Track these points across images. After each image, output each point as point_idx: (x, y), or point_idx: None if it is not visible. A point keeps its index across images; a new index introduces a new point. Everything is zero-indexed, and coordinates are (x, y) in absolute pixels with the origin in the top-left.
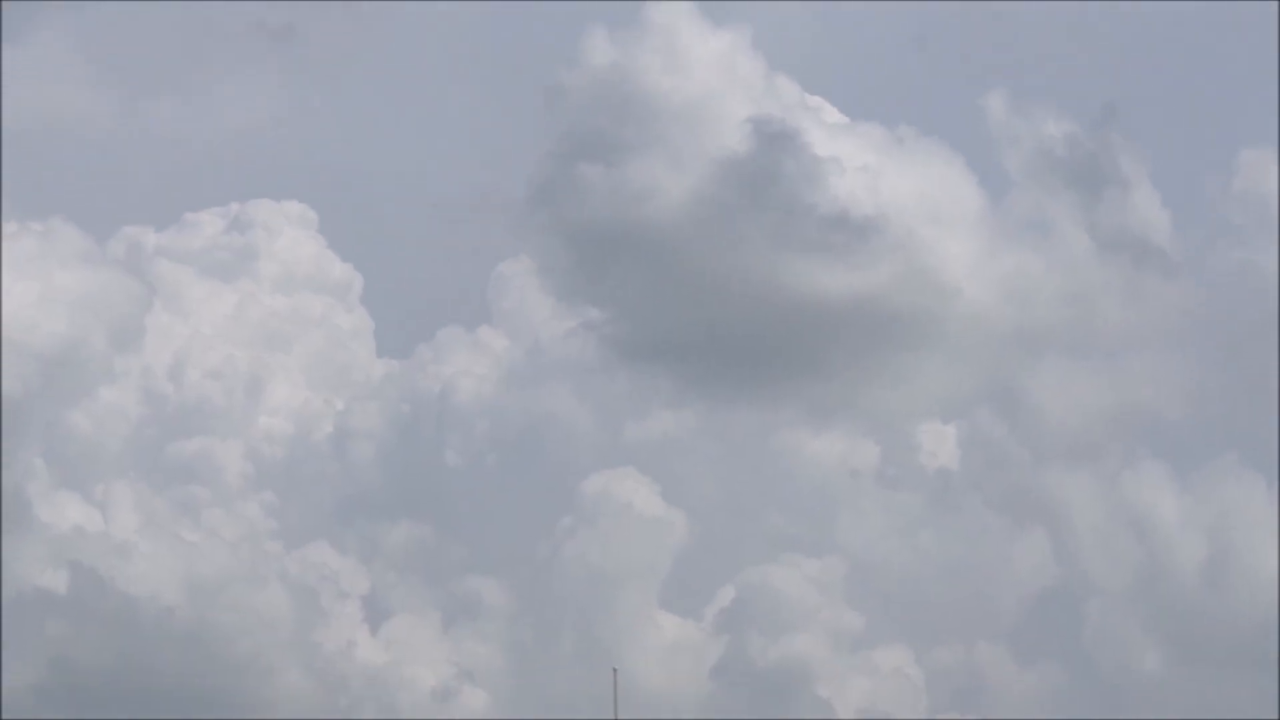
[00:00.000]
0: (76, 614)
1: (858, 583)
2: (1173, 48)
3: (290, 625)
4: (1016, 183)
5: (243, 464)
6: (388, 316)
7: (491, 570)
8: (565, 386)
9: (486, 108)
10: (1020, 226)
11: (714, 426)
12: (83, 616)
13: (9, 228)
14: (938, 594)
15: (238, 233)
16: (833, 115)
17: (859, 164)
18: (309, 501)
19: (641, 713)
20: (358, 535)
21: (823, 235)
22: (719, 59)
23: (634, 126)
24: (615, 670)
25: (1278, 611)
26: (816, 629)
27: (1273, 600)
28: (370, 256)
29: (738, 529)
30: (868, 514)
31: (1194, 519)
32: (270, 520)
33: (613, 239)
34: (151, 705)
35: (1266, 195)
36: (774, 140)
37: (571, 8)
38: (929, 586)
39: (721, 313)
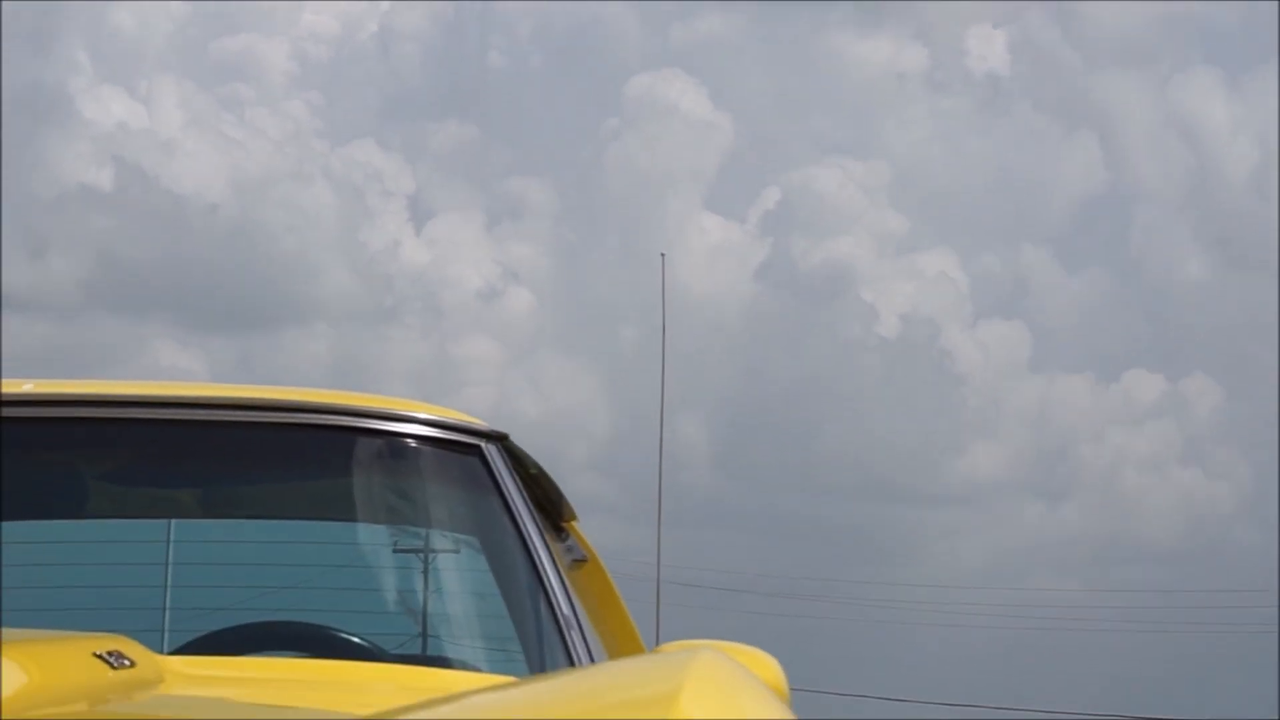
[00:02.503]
0: (121, 210)
1: (903, 186)
2: None
3: (335, 224)
4: None
5: (287, 62)
6: None
7: (536, 171)
8: None
9: None
10: None
11: (762, 28)
12: (128, 213)
13: None
14: (984, 198)
15: None
16: None
17: None
18: (354, 100)
19: (685, 313)
20: (403, 135)
21: None
22: None
23: None
24: (663, 255)
25: None
26: (861, 232)
27: None
28: None
29: (784, 131)
30: (915, 117)
31: (1244, 124)
32: (315, 119)
33: None
34: (197, 302)
35: None
36: None
37: None
38: (975, 191)
39: None
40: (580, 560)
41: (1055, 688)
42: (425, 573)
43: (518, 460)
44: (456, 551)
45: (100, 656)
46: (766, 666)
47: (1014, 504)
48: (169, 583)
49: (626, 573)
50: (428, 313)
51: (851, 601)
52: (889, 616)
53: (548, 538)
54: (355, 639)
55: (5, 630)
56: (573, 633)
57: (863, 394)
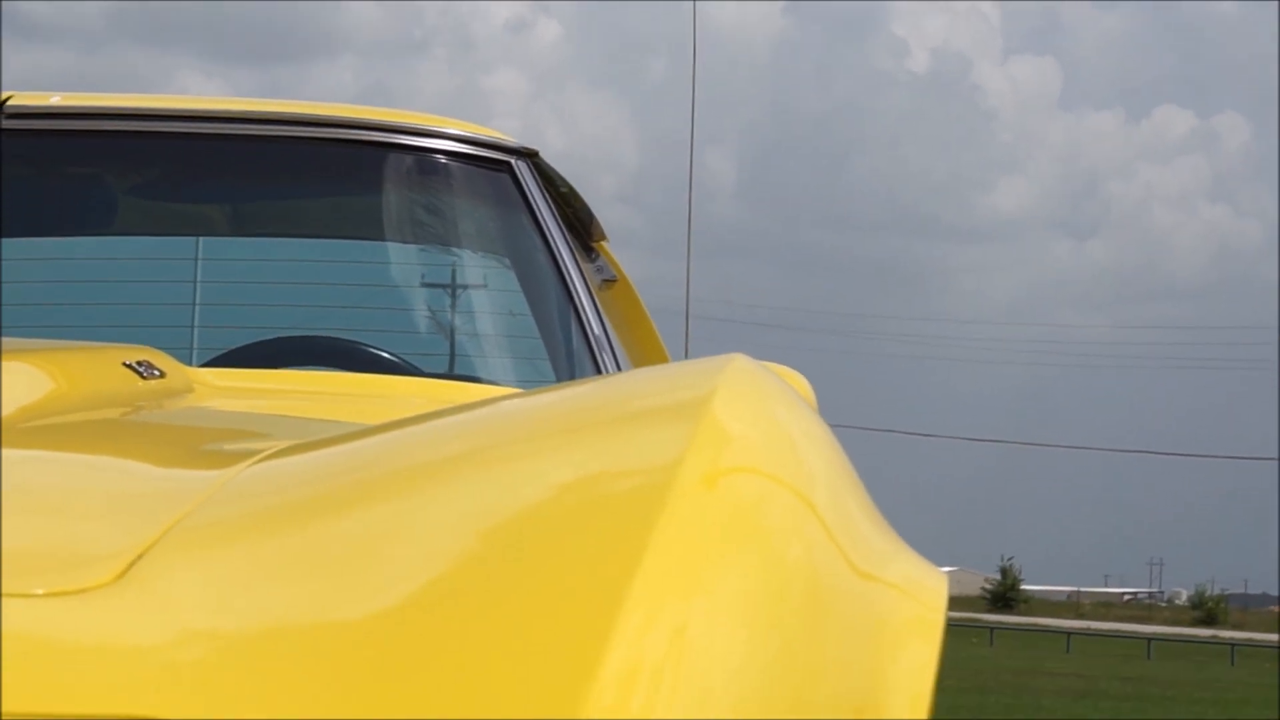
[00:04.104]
0: None
1: None
2: None
3: None
4: None
5: None
6: None
7: None
8: None
9: None
10: None
11: None
12: None
13: None
14: None
15: None
16: None
17: None
18: None
19: (715, 47)
20: None
21: None
22: None
23: None
24: None
25: None
26: None
27: None
28: None
29: None
30: None
31: None
32: None
33: None
34: (223, 33)
35: None
36: None
37: None
38: None
39: None
40: (610, 280)
41: (1079, 422)
42: (454, 291)
43: (548, 178)
44: (486, 270)
45: (129, 366)
46: (798, 382)
47: (1042, 240)
48: (197, 300)
49: (652, 305)
50: (456, 45)
51: (878, 336)
52: (915, 351)
53: (578, 256)
54: (385, 354)
55: (31, 340)
56: (603, 352)
57: (892, 129)
